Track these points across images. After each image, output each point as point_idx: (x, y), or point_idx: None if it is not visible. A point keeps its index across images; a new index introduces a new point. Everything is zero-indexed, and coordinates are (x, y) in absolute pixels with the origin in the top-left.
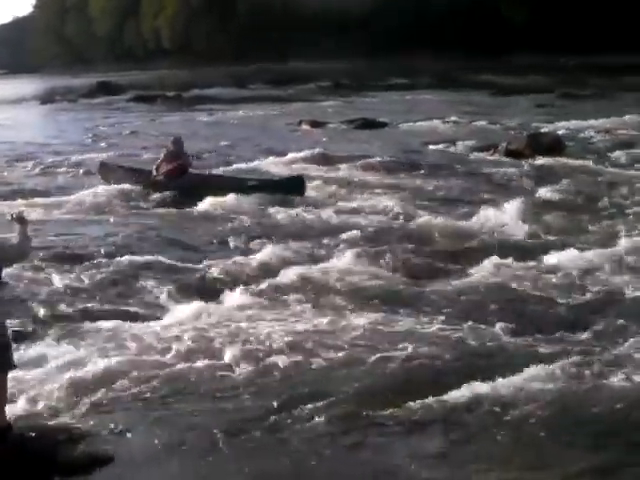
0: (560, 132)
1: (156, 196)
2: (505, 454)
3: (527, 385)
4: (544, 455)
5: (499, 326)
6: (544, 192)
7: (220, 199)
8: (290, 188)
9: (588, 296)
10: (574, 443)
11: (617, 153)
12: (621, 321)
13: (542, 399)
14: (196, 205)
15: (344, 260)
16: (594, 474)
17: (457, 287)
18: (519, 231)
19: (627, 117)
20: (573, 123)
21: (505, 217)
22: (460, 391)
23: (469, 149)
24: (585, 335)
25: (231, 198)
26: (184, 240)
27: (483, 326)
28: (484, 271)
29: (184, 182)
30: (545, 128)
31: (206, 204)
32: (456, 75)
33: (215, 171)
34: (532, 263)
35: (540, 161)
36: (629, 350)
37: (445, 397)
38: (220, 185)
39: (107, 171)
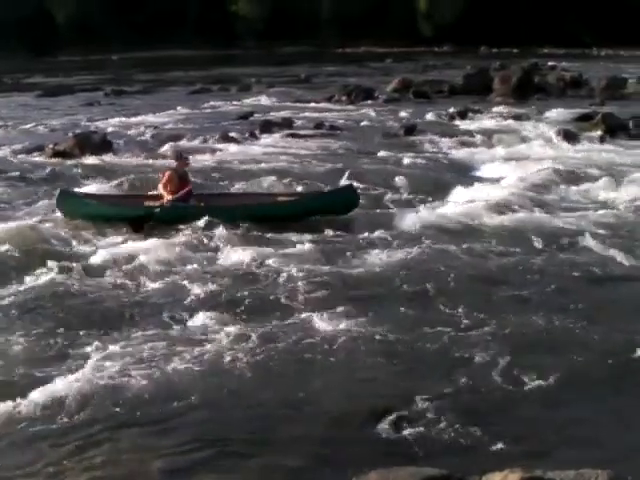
0: (109, 130)
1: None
2: None
3: None
4: None
5: None
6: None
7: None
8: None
9: None
10: None
11: (165, 146)
12: None
13: None
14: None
15: None
16: None
17: None
18: None
19: (174, 111)
20: (122, 120)
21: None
22: None
23: (15, 152)
24: None
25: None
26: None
27: None
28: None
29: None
30: (94, 127)
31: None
32: None
33: None
34: None
35: (89, 160)
36: None
37: None
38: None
39: (72, 202)
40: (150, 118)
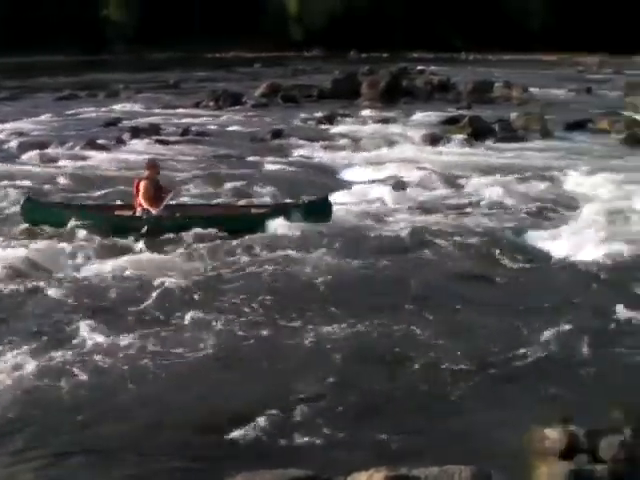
0: None
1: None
2: None
3: None
4: None
5: None
6: None
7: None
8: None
9: None
10: None
11: (30, 154)
12: None
13: None
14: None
15: None
16: None
17: None
18: None
19: (40, 118)
20: None
21: None
22: None
23: None
24: None
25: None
26: None
27: None
28: None
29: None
30: None
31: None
32: None
33: None
34: None
35: None
36: None
37: None
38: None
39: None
40: (15, 125)
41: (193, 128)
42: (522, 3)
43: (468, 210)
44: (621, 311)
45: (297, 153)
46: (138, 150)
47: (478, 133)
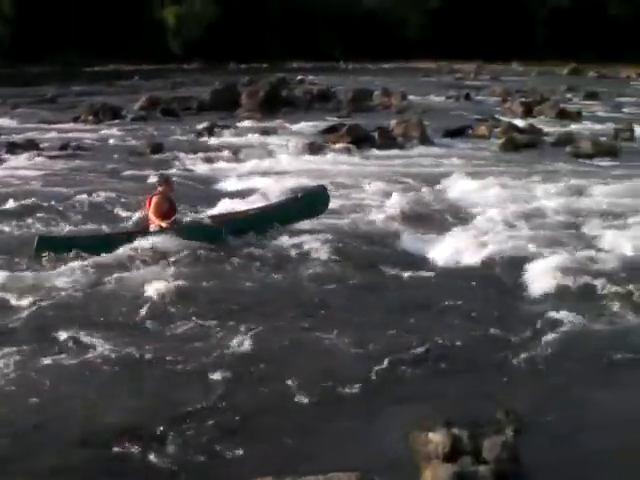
0: None
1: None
2: None
3: None
4: None
5: None
6: None
7: None
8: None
9: None
10: None
11: None
12: None
13: None
14: None
15: None
16: None
17: None
18: None
19: None
20: None
21: None
22: None
23: None
24: None
25: None
26: None
27: None
28: None
29: None
30: None
31: None
32: None
33: None
34: None
35: None
36: None
37: None
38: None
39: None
40: None
41: (72, 143)
42: (399, 12)
43: (348, 217)
44: (501, 314)
45: (177, 166)
46: (14, 166)
47: (358, 141)
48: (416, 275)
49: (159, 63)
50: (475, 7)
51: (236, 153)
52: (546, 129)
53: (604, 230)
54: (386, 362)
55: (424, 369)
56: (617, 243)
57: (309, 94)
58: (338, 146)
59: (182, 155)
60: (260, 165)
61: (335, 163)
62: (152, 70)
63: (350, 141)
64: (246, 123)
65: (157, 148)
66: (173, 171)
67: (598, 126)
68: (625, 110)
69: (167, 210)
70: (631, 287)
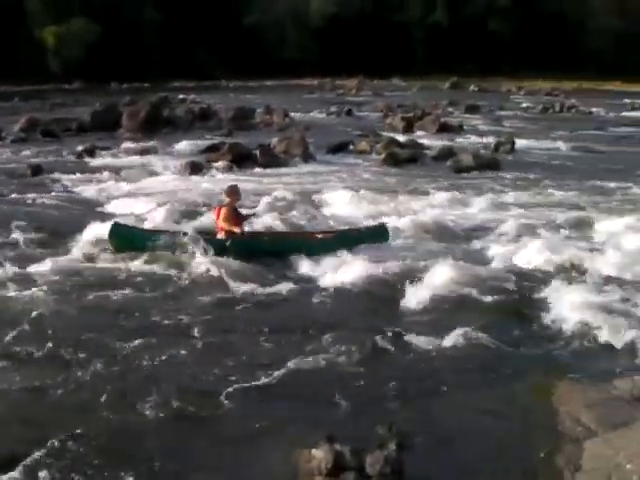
0: None
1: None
2: None
3: None
4: None
5: None
6: None
7: None
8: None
9: None
10: None
11: None
12: None
13: None
14: None
15: None
16: None
17: None
18: None
19: None
20: None
21: None
22: None
23: None
24: None
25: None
26: None
27: None
28: None
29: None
30: None
31: None
32: None
33: None
34: None
35: None
36: None
37: None
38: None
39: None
40: None
41: None
42: (277, 32)
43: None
44: (378, 329)
45: (58, 188)
46: None
47: (239, 159)
48: (298, 292)
49: (39, 83)
50: (357, 26)
51: (117, 174)
52: (427, 143)
53: (483, 242)
54: (265, 381)
55: (304, 387)
56: (497, 254)
57: (190, 113)
58: (219, 165)
59: (63, 176)
60: (141, 186)
61: (215, 181)
62: (32, 91)
63: (231, 159)
64: (127, 144)
65: (37, 170)
66: (54, 194)
67: (479, 139)
68: (506, 123)
69: (235, 219)
70: (511, 297)
